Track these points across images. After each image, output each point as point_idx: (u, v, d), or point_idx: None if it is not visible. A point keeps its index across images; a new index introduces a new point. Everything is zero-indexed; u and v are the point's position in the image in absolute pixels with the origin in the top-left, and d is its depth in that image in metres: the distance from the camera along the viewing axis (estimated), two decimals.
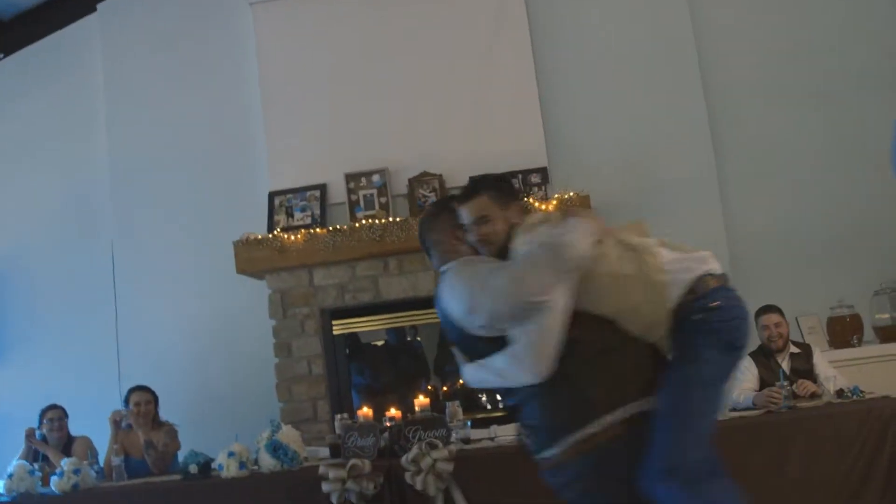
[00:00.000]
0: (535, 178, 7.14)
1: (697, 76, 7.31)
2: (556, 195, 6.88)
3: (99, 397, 7.06)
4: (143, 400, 6.02)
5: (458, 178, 7.18)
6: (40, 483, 5.30)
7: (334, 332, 7.16)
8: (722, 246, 7.10)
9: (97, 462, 5.67)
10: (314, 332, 7.04)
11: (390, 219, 6.97)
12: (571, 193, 6.83)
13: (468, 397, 7.06)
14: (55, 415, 6.19)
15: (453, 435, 5.10)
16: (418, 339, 7.81)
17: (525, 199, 6.87)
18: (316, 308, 7.05)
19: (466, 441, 5.18)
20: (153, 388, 6.13)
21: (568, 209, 3.25)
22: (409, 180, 7.18)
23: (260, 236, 7.00)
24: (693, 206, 7.16)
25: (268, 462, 4.97)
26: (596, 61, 7.43)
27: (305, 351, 7.02)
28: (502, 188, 3.22)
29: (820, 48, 7.35)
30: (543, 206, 6.78)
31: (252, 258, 6.95)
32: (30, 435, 6.10)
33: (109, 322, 7.58)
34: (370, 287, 7.02)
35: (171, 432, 5.97)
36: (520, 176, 7.11)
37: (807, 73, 7.33)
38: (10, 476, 5.24)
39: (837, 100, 7.27)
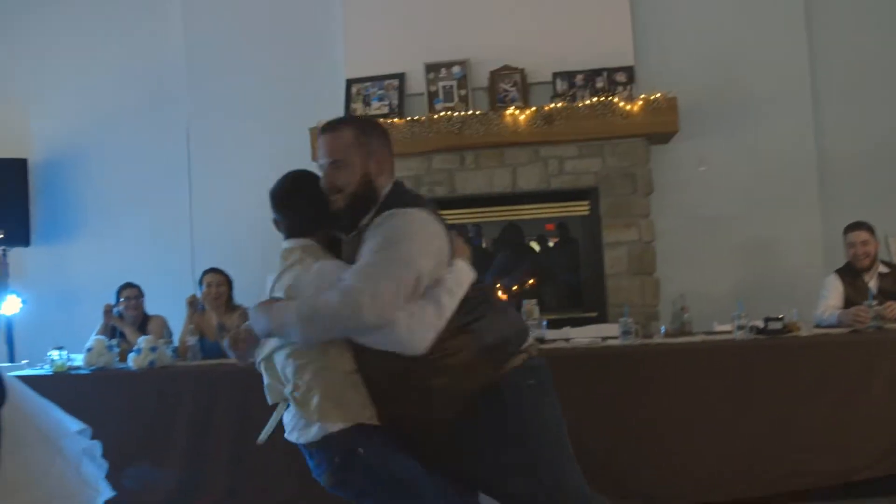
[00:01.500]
0: (620, 77, 6.92)
1: None
2: (642, 96, 6.67)
3: (172, 279, 7.12)
4: (215, 282, 6.06)
5: (540, 73, 7.03)
6: (118, 359, 5.38)
7: None
8: (811, 160, 6.92)
9: (172, 341, 5.73)
10: None
11: (469, 112, 6.82)
12: (658, 94, 6.62)
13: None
14: (131, 293, 6.25)
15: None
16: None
17: (610, 97, 6.67)
18: None
19: (541, 341, 5.11)
20: (227, 272, 6.15)
21: None
22: (490, 73, 7.01)
23: None
24: (783, 117, 6.98)
25: None
26: None
27: None
28: (370, 129, 2.80)
29: None
30: (628, 107, 6.58)
31: None
32: (108, 311, 6.17)
33: (184, 204, 7.59)
34: (446, 181, 6.92)
35: (244, 315, 5.96)
36: (605, 74, 6.91)
37: None
38: (90, 350, 5.32)
39: None
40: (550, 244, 7.51)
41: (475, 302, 2.68)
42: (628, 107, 6.63)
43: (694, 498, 4.56)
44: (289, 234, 2.83)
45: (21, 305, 7.28)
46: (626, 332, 5.00)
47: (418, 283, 2.54)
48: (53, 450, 2.44)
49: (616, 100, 6.67)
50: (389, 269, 2.51)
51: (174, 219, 7.59)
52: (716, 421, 4.62)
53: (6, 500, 2.20)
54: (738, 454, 4.59)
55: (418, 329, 2.51)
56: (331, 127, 2.79)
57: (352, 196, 2.71)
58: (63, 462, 2.46)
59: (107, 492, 2.66)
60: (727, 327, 5.23)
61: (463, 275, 2.65)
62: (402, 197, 2.73)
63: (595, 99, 6.72)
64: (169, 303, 6.47)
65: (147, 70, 7.75)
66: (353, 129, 2.76)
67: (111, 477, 3.21)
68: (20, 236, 7.50)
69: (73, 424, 2.65)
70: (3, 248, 7.37)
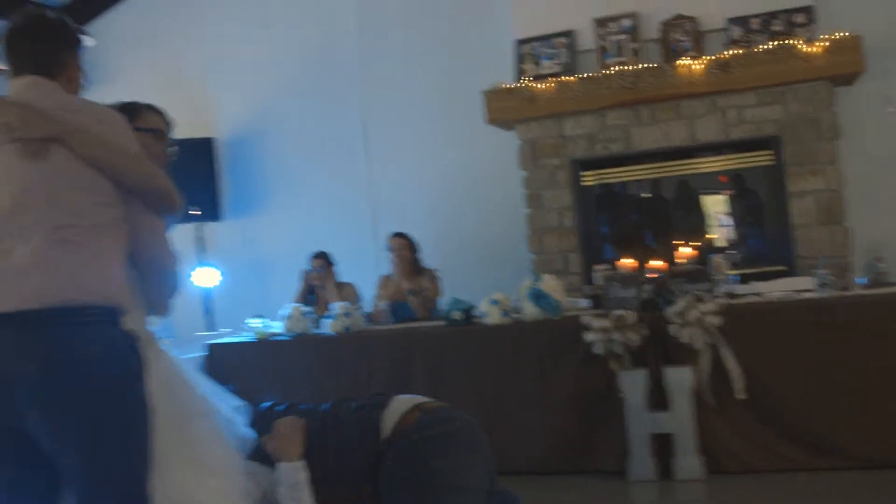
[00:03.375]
0: (799, 19, 6.64)
1: None
2: (824, 36, 6.36)
3: (354, 246, 7.37)
4: (398, 245, 6.23)
5: (713, 21, 6.84)
6: (312, 325, 5.62)
7: (584, 184, 7.06)
8: None
9: (363, 307, 5.94)
10: (564, 184, 6.98)
11: (642, 65, 6.71)
12: (842, 34, 6.30)
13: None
14: (319, 263, 6.49)
15: (718, 289, 4.97)
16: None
17: (789, 40, 6.42)
18: (566, 158, 6.97)
19: (731, 296, 5.04)
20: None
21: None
22: (662, 24, 6.85)
23: (509, 85, 6.92)
24: None
25: (530, 310, 5.03)
26: None
27: (556, 202, 6.99)
28: None
29: None
30: (809, 49, 6.32)
31: (502, 108, 6.90)
32: (304, 275, 6.48)
33: (361, 171, 7.81)
34: (621, 137, 6.85)
35: (433, 277, 6.16)
36: (782, 16, 6.64)
37: None
38: (288, 317, 5.59)
39: None
40: (724, 198, 7.31)
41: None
42: (809, 49, 6.35)
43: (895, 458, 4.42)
44: None
45: (220, 278, 7.70)
46: (823, 284, 4.86)
47: None
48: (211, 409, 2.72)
49: (796, 42, 6.41)
50: None
51: (353, 187, 7.82)
52: None
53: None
54: None
55: None
56: None
57: None
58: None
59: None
60: None
61: (289, 476, 2.84)
62: None
63: (773, 43, 6.48)
64: (352, 269, 6.70)
65: (320, 42, 7.95)
66: None
67: None
68: (212, 212, 7.88)
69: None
70: (197, 223, 7.78)
